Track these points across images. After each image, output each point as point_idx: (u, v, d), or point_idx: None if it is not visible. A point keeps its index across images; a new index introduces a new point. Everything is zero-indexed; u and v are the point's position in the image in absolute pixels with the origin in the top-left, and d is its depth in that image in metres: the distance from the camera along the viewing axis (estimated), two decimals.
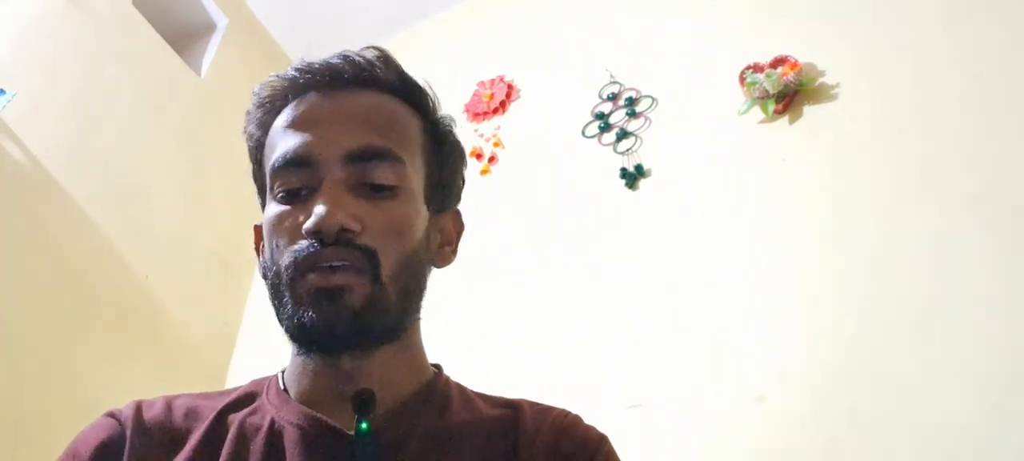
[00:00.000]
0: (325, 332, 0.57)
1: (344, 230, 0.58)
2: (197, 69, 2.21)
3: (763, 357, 1.27)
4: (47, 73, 1.76)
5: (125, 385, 1.64)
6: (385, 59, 0.67)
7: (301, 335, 0.59)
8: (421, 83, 0.70)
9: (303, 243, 0.58)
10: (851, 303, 1.25)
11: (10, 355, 1.46)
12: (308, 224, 0.58)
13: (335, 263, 0.57)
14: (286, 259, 0.59)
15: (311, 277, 0.57)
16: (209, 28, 2.34)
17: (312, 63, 0.66)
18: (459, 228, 0.74)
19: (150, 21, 2.08)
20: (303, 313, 0.57)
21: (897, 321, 1.20)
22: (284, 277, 0.59)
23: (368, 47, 0.68)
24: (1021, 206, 1.20)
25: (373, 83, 0.66)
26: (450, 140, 0.71)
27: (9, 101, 1.58)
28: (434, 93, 0.70)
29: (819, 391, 1.21)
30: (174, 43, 2.15)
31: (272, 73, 0.68)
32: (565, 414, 0.68)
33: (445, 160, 0.70)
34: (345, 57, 0.66)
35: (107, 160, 1.82)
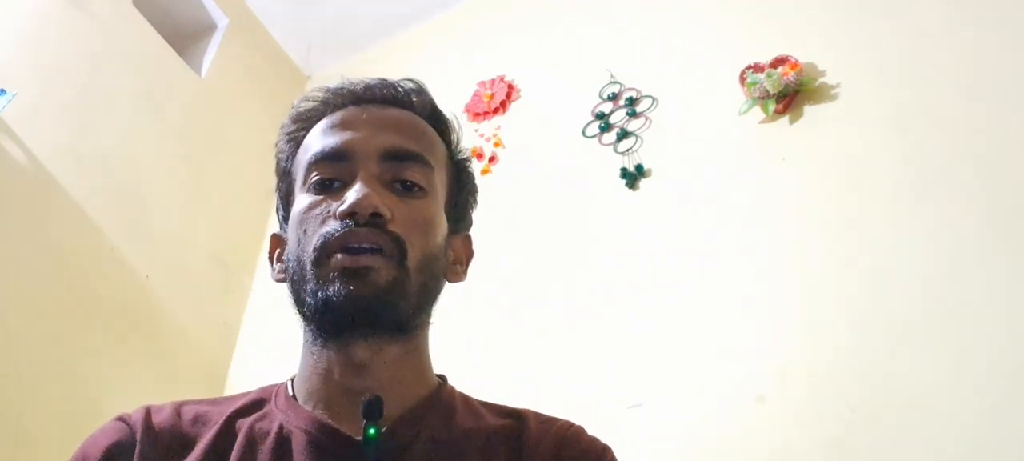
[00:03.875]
0: (349, 306, 0.58)
1: (376, 214, 0.60)
2: (197, 69, 2.21)
3: (763, 357, 1.27)
4: (47, 73, 1.76)
5: (125, 385, 1.64)
6: (420, 90, 0.73)
7: (325, 311, 0.59)
8: (449, 117, 0.76)
9: (335, 223, 0.61)
10: (851, 303, 1.25)
11: (10, 355, 1.46)
12: (343, 206, 0.60)
13: (365, 245, 0.59)
14: (315, 241, 0.61)
15: (338, 257, 0.59)
16: (209, 28, 2.34)
17: (352, 81, 0.72)
18: (469, 253, 0.77)
19: (150, 21, 2.08)
20: (328, 287, 0.59)
21: (897, 321, 1.20)
22: (310, 258, 0.61)
23: (406, 78, 0.74)
24: (1021, 206, 1.20)
25: (407, 106, 0.72)
26: (468, 172, 0.76)
27: (9, 101, 1.58)
28: (459, 129, 0.76)
29: (819, 391, 1.21)
30: (174, 43, 2.15)
31: (316, 88, 0.73)
32: (569, 425, 0.69)
33: (462, 188, 0.75)
34: (383, 81, 0.72)
35: (107, 160, 1.83)
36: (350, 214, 0.60)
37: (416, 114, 0.71)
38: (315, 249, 0.60)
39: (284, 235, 0.71)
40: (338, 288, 0.58)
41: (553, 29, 2.06)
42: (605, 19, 1.96)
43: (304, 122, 0.71)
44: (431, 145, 0.70)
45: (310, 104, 0.71)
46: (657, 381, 1.35)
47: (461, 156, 0.76)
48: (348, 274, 0.59)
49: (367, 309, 0.59)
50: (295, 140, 0.71)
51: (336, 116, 0.69)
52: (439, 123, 0.74)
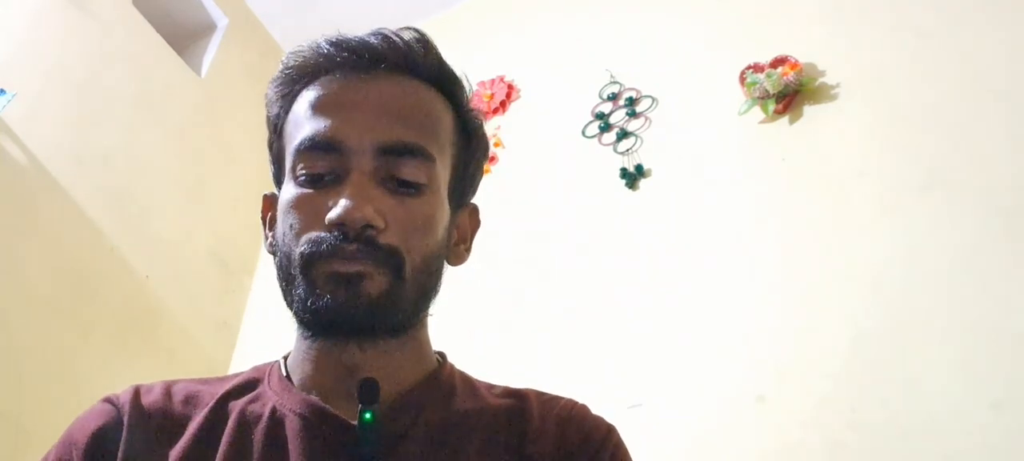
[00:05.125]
0: (339, 318, 0.55)
1: (368, 226, 0.56)
2: (197, 69, 2.21)
3: (763, 357, 1.27)
4: (47, 73, 1.76)
5: (125, 385, 1.64)
6: (425, 44, 0.65)
7: (313, 320, 0.57)
8: (459, 74, 0.68)
9: (323, 234, 0.56)
10: (851, 303, 1.25)
11: (10, 355, 1.46)
12: (332, 215, 0.55)
13: (355, 269, 0.55)
14: (303, 247, 0.57)
15: (326, 266, 0.56)
16: (209, 28, 2.34)
17: (349, 39, 0.62)
18: (475, 225, 0.72)
19: (150, 21, 2.08)
20: (318, 297, 0.55)
21: (897, 321, 1.20)
22: (297, 264, 0.57)
23: (407, 28, 0.65)
24: (1021, 206, 1.20)
25: (411, 70, 0.63)
26: (479, 134, 0.70)
27: (9, 101, 1.58)
28: (470, 84, 0.68)
29: (819, 391, 1.21)
30: (174, 43, 2.15)
31: (307, 41, 0.63)
32: (572, 404, 0.67)
33: (472, 155, 0.68)
34: (384, 37, 0.63)
35: (107, 160, 1.83)
36: (339, 225, 0.55)
37: (421, 78, 0.64)
38: (303, 256, 0.56)
39: (278, 195, 0.64)
40: (328, 300, 0.55)
41: (553, 29, 2.06)
42: (605, 19, 1.96)
43: (296, 78, 0.64)
44: (436, 127, 0.63)
45: (302, 61, 0.63)
46: (657, 381, 1.35)
47: (472, 118, 0.68)
48: (339, 279, 0.55)
49: (359, 320, 0.56)
50: (288, 96, 0.64)
51: (330, 88, 0.61)
52: (447, 84, 0.66)
